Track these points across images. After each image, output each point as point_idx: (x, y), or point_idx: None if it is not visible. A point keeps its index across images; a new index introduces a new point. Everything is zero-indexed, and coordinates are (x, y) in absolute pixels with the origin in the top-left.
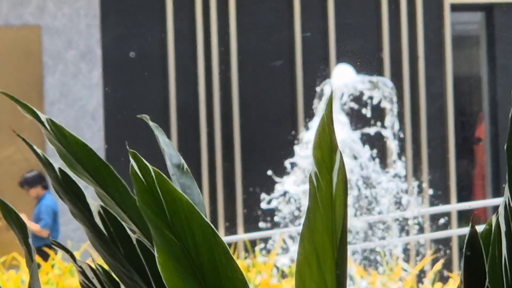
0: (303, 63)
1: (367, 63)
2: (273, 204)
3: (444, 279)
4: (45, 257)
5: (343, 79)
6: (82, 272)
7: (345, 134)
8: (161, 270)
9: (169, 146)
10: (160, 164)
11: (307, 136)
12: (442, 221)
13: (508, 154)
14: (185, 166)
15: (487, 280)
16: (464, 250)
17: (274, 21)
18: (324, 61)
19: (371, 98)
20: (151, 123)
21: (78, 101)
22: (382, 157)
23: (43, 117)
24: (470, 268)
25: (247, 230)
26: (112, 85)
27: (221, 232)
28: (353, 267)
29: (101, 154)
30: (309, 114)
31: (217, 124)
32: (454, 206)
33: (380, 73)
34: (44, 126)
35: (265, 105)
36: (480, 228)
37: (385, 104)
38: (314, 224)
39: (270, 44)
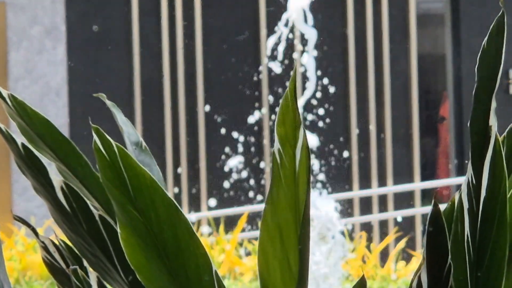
0: (268, 38)
1: (331, 40)
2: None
3: (407, 258)
4: None
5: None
6: (45, 248)
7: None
8: (123, 246)
9: (127, 124)
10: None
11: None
12: (405, 199)
13: (472, 130)
14: (144, 144)
15: (449, 257)
16: (426, 227)
17: None
18: (288, 36)
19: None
20: (108, 102)
21: (43, 77)
22: (345, 134)
23: (4, 93)
24: (433, 245)
25: (210, 207)
26: (77, 61)
27: (184, 209)
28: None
29: (66, 130)
30: (273, 90)
31: (181, 98)
32: (418, 185)
33: (344, 50)
34: (6, 101)
35: (229, 80)
36: (443, 206)
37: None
38: (277, 201)
39: (235, 18)
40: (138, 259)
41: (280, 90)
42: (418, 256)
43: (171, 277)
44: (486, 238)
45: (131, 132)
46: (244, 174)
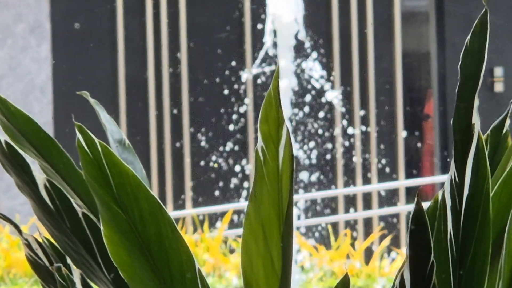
0: (252, 36)
1: (316, 37)
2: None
3: (391, 256)
4: None
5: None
6: (28, 245)
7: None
8: (106, 244)
9: (110, 122)
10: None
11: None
12: (390, 197)
13: (455, 128)
14: (127, 141)
15: (432, 254)
16: (409, 224)
17: None
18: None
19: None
20: (91, 100)
21: (27, 75)
22: (330, 133)
23: None
24: (416, 243)
25: (195, 205)
26: (61, 58)
27: (169, 207)
28: (299, 242)
29: (50, 127)
30: (257, 87)
31: (165, 97)
32: (402, 183)
33: (329, 47)
34: None
35: (214, 78)
36: (426, 204)
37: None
38: (261, 198)
39: (219, 16)
40: (121, 256)
41: (264, 87)
42: (402, 254)
43: (154, 274)
44: (469, 236)
45: (115, 129)
46: (229, 171)
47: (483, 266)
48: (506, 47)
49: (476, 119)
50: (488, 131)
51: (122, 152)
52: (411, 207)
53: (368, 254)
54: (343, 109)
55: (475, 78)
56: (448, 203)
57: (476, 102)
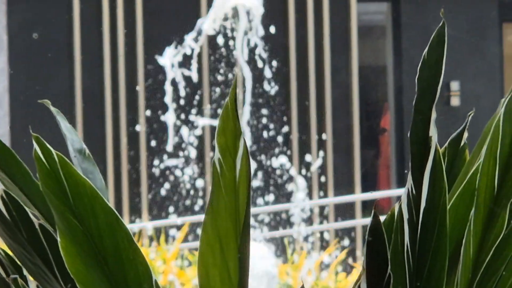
0: (209, 47)
1: (273, 50)
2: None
3: (347, 269)
4: None
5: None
6: None
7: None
8: (63, 255)
9: (70, 131)
10: (65, 147)
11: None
12: (346, 210)
13: (411, 141)
14: (87, 151)
15: (389, 267)
16: (366, 236)
17: (181, 5)
18: (229, 46)
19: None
20: (52, 108)
21: None
22: (285, 144)
23: None
24: (372, 255)
25: (151, 217)
26: (18, 69)
27: (125, 219)
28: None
29: (7, 139)
30: (213, 99)
31: (122, 108)
32: (358, 196)
33: (285, 60)
34: None
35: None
36: (383, 217)
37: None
38: (217, 210)
39: (176, 26)
40: (78, 267)
41: (222, 99)
42: (359, 267)
43: (111, 285)
44: (426, 248)
45: (75, 139)
46: (187, 183)
47: (439, 279)
48: (462, 61)
49: (433, 132)
50: (446, 144)
51: (82, 162)
52: (368, 220)
53: (324, 267)
54: (299, 121)
55: (432, 90)
56: (405, 215)
57: (433, 114)
